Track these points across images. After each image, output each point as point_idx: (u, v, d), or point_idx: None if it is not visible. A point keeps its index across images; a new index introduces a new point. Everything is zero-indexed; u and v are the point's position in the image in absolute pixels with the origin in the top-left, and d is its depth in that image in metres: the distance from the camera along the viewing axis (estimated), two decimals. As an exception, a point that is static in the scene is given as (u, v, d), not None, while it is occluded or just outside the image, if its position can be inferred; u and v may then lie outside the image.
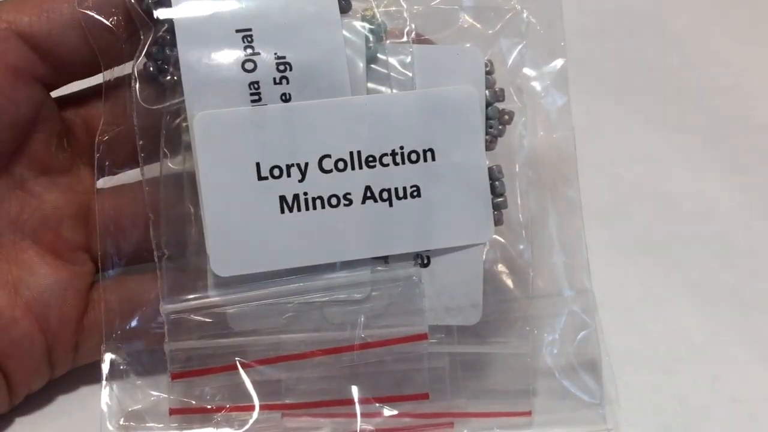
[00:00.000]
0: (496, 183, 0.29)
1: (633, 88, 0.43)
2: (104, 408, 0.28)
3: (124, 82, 0.28)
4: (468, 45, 0.29)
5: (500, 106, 0.29)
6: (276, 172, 0.27)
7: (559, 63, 0.30)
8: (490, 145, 0.29)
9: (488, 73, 0.30)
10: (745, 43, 0.45)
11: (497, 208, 0.29)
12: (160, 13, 0.27)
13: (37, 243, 0.29)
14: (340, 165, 0.28)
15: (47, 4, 0.28)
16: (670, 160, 0.40)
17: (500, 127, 0.30)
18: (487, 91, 0.29)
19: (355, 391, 0.28)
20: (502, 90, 0.30)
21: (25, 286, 0.29)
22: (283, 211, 0.27)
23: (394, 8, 0.29)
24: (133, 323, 0.29)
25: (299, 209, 0.27)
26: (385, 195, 0.28)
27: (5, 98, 0.28)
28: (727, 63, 0.45)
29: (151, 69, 0.28)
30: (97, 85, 0.29)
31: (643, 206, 0.38)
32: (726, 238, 0.37)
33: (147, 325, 0.29)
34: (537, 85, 0.30)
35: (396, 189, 0.28)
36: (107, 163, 0.28)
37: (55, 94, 0.30)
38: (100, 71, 0.29)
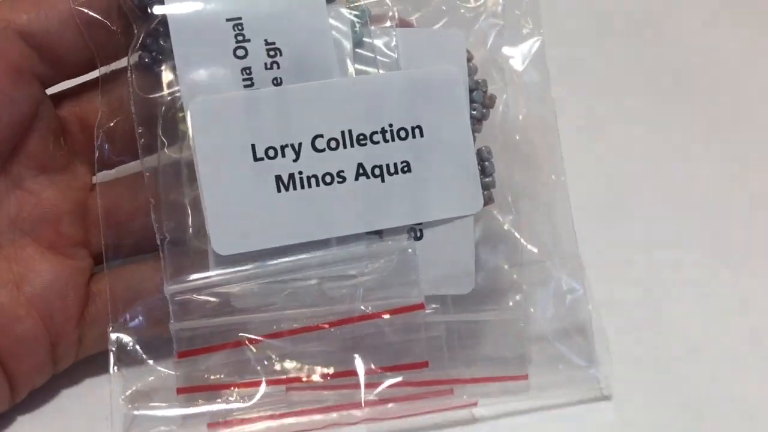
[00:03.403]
0: (486, 163, 0.30)
1: (633, 88, 0.43)
2: (113, 388, 0.28)
3: (120, 75, 0.29)
4: (449, 29, 0.31)
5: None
6: (271, 153, 0.28)
7: (536, 41, 0.32)
8: (476, 127, 0.31)
9: (468, 60, 0.31)
10: (745, 44, 0.46)
11: (486, 187, 0.30)
12: (154, 9, 0.29)
13: (37, 240, 0.30)
14: (333, 144, 0.29)
15: (44, 1, 0.28)
16: (670, 159, 0.40)
17: (484, 110, 0.31)
18: (468, 79, 0.30)
19: (356, 362, 0.29)
20: (484, 81, 0.31)
21: (26, 283, 0.29)
22: (279, 190, 0.28)
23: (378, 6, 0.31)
24: (137, 310, 0.29)
25: (295, 188, 0.29)
26: (377, 171, 0.29)
27: (6, 97, 0.28)
28: (726, 63, 0.45)
29: (147, 60, 0.29)
30: (90, 80, 0.30)
31: (643, 206, 0.38)
32: (726, 237, 0.37)
33: (151, 311, 0.29)
34: (516, 64, 0.31)
35: (387, 165, 0.29)
36: (107, 151, 0.29)
37: (49, 92, 0.30)
38: (94, 68, 0.30)
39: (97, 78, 0.29)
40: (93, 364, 0.31)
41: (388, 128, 0.29)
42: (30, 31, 0.28)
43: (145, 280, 0.30)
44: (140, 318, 0.29)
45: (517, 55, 0.31)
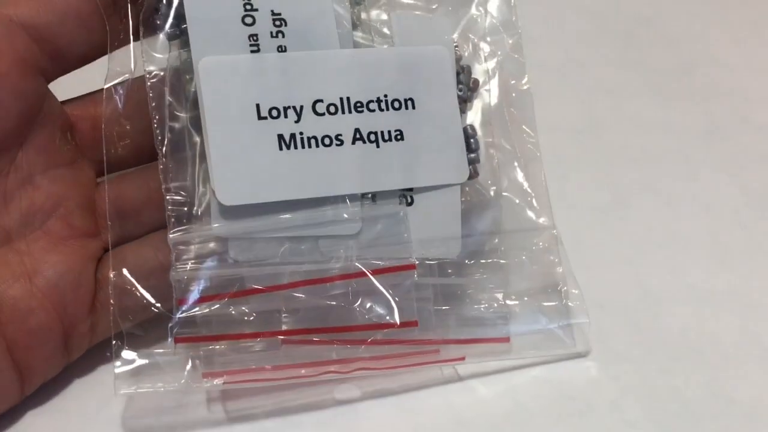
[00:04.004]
0: (471, 140, 0.33)
1: (632, 89, 0.44)
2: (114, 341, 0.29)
3: (127, 50, 0.30)
4: (438, 15, 0.33)
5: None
6: (274, 113, 0.30)
7: (514, 28, 0.34)
8: (462, 107, 0.33)
9: (455, 47, 0.33)
10: (745, 44, 0.46)
11: (472, 162, 0.32)
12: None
13: (48, 233, 0.30)
14: (332, 109, 0.31)
15: None
16: (670, 160, 0.40)
17: (469, 92, 0.33)
18: (456, 65, 0.33)
19: (348, 318, 0.30)
20: (469, 67, 0.34)
21: (39, 275, 0.30)
22: (281, 148, 0.30)
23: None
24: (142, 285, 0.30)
25: (296, 147, 0.30)
26: (372, 137, 0.31)
27: (14, 89, 0.29)
28: (726, 64, 0.45)
29: (158, 22, 0.30)
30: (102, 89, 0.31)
31: (643, 206, 0.38)
32: (726, 238, 0.37)
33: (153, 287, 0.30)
34: (496, 50, 0.34)
35: (382, 132, 0.31)
36: (118, 103, 0.30)
37: (63, 95, 0.31)
38: (92, 61, 0.30)
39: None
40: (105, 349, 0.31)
41: (383, 98, 0.31)
42: (33, 24, 0.29)
43: (148, 260, 0.31)
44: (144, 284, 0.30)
45: (497, 44, 0.34)
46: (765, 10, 0.49)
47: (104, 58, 0.30)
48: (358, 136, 0.31)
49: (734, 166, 0.41)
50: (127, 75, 0.30)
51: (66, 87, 0.31)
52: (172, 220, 0.29)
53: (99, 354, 0.31)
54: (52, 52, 0.30)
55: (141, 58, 0.30)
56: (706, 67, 0.45)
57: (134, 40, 0.30)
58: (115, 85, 0.30)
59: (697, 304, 0.35)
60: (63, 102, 0.31)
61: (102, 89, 0.31)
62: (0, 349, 0.29)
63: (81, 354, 0.31)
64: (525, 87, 0.34)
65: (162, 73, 0.30)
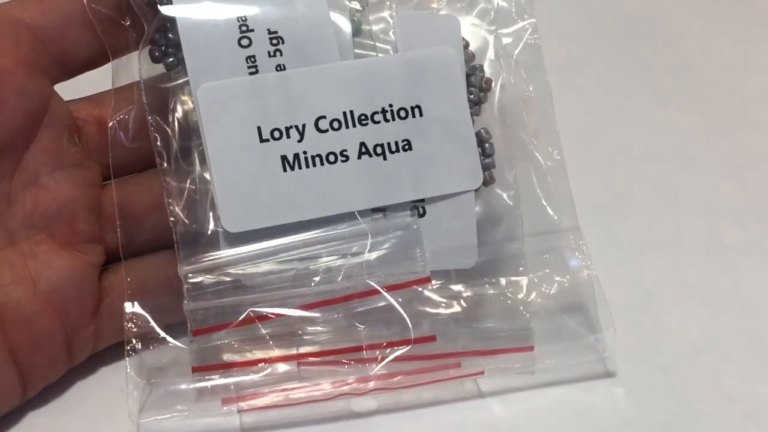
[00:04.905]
0: (486, 145, 0.31)
1: (632, 89, 0.44)
2: (129, 363, 0.29)
3: (130, 69, 0.31)
4: (445, 12, 0.32)
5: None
6: (276, 134, 0.30)
7: (529, 24, 0.33)
8: (474, 110, 0.32)
9: (465, 47, 0.32)
10: (745, 44, 0.46)
11: (487, 168, 0.31)
12: (162, 7, 0.30)
13: (52, 237, 0.30)
14: (335, 124, 0.30)
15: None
16: (670, 160, 0.40)
17: (481, 94, 0.32)
18: (465, 65, 0.32)
19: (365, 337, 0.30)
20: (481, 66, 0.32)
21: (42, 279, 0.30)
22: (285, 170, 0.30)
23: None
24: (152, 299, 0.30)
25: (300, 167, 0.30)
26: (378, 150, 0.30)
27: (19, 89, 0.29)
28: (726, 63, 0.45)
29: (156, 54, 0.30)
30: (110, 90, 0.31)
31: (643, 206, 0.38)
32: (726, 237, 0.37)
33: (165, 299, 0.30)
34: (510, 46, 0.33)
35: (389, 144, 0.30)
36: (121, 138, 0.30)
37: (71, 95, 0.31)
38: (99, 66, 0.31)
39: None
40: (108, 349, 0.32)
41: (388, 108, 0.30)
42: (38, 26, 0.29)
43: (157, 272, 0.31)
44: (155, 302, 0.30)
45: (510, 39, 0.33)
46: (765, 10, 0.48)
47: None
48: (363, 150, 0.30)
49: (734, 165, 0.40)
50: (131, 79, 0.30)
51: (71, 87, 0.31)
52: (181, 250, 0.30)
53: (103, 358, 0.32)
54: (58, 55, 0.30)
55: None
56: (706, 67, 0.45)
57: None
58: (119, 120, 0.30)
59: (697, 304, 0.35)
60: (68, 102, 0.31)
61: (106, 91, 0.31)
62: (2, 352, 0.29)
63: (84, 359, 0.31)
64: (543, 80, 0.32)
65: (162, 103, 0.30)
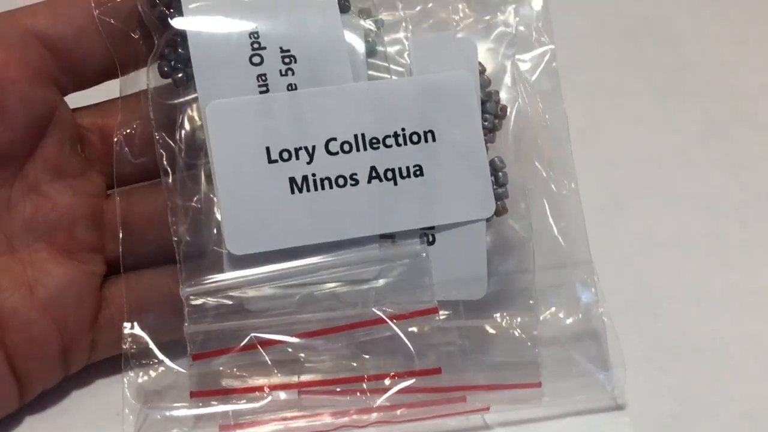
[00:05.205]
0: (499, 174, 0.31)
1: (632, 89, 0.43)
2: (125, 387, 0.28)
3: (139, 82, 0.30)
4: (460, 35, 0.31)
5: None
6: (285, 155, 0.29)
7: (547, 50, 0.32)
8: (489, 137, 0.31)
9: (481, 72, 0.31)
10: (745, 44, 0.46)
11: (500, 197, 0.31)
12: (173, 22, 0.29)
13: (51, 244, 0.30)
14: (346, 147, 0.29)
15: (63, 8, 0.29)
16: (670, 160, 0.40)
17: (496, 121, 0.31)
18: (481, 91, 0.31)
19: (369, 367, 0.29)
20: (496, 92, 0.31)
21: (41, 286, 0.30)
22: (293, 192, 0.29)
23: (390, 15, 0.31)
24: (152, 312, 0.30)
25: (308, 189, 0.29)
26: (389, 174, 0.29)
27: (23, 98, 0.29)
28: (726, 63, 0.45)
29: (165, 69, 0.30)
30: (115, 98, 0.31)
31: (643, 206, 0.38)
32: (726, 237, 0.37)
33: (165, 313, 0.30)
34: (528, 73, 0.32)
35: (400, 168, 0.29)
36: (126, 153, 0.30)
37: (74, 103, 0.31)
38: (111, 78, 0.30)
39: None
40: (105, 364, 0.31)
41: (400, 132, 0.30)
42: (48, 35, 0.29)
43: (159, 286, 0.30)
44: (154, 319, 0.30)
45: (528, 65, 0.32)
46: (765, 10, 0.48)
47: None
48: (374, 174, 0.29)
49: (734, 165, 0.40)
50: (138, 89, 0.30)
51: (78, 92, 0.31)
52: (184, 271, 0.29)
53: (99, 372, 0.31)
54: (69, 65, 0.30)
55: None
56: (706, 67, 0.45)
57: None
58: (124, 134, 0.30)
59: (697, 304, 0.35)
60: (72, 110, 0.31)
61: (111, 99, 0.31)
62: (0, 356, 0.29)
63: (80, 368, 0.31)
64: (560, 108, 0.32)
65: (170, 119, 0.29)
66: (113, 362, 0.30)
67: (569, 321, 0.31)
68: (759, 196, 0.39)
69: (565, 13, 0.39)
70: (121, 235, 0.30)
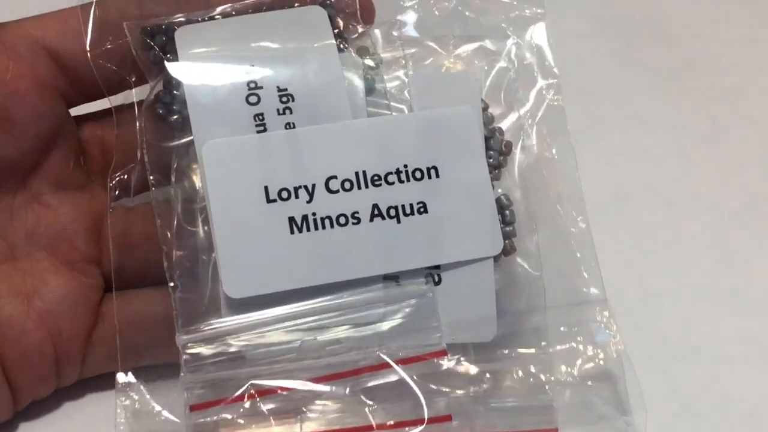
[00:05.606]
0: (506, 212, 0.30)
1: (632, 89, 0.43)
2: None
3: (134, 118, 0.29)
4: (464, 71, 0.31)
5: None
6: (284, 194, 0.28)
7: (552, 84, 0.31)
8: (494, 175, 0.30)
9: (484, 109, 0.31)
10: (746, 44, 0.46)
11: (508, 236, 0.30)
12: (167, 65, 0.29)
13: (53, 254, 0.30)
14: (347, 185, 0.28)
15: (72, 22, 0.29)
16: (670, 160, 0.40)
17: (501, 158, 0.31)
18: (485, 128, 0.30)
19: (374, 415, 0.28)
20: (500, 128, 0.31)
21: (38, 297, 0.29)
22: (292, 232, 0.28)
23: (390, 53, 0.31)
24: (145, 339, 0.29)
25: (308, 229, 0.28)
26: (392, 212, 0.28)
27: (32, 111, 0.29)
28: (727, 63, 0.45)
29: (160, 111, 0.29)
30: (112, 108, 0.30)
31: (643, 206, 0.38)
32: (726, 238, 0.37)
33: (158, 341, 0.29)
34: (532, 107, 0.31)
35: (403, 206, 0.29)
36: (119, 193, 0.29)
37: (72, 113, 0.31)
38: (123, 90, 0.30)
39: (120, 104, 0.30)
40: (98, 378, 0.30)
41: (402, 169, 0.29)
42: (56, 48, 0.29)
43: (154, 305, 0.30)
44: (145, 340, 0.29)
45: (532, 99, 0.31)
46: (765, 9, 0.47)
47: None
48: (376, 212, 0.28)
49: (735, 165, 0.40)
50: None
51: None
52: (180, 318, 0.28)
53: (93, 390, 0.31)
54: (75, 80, 0.29)
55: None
56: (707, 67, 0.44)
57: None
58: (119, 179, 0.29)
59: (697, 303, 0.35)
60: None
61: (107, 109, 0.30)
62: None
63: (72, 382, 0.30)
64: (566, 142, 0.31)
65: (165, 161, 0.29)
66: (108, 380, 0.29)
67: (585, 362, 0.29)
68: (759, 196, 0.39)
69: (564, 13, 0.40)
70: (112, 247, 0.29)
